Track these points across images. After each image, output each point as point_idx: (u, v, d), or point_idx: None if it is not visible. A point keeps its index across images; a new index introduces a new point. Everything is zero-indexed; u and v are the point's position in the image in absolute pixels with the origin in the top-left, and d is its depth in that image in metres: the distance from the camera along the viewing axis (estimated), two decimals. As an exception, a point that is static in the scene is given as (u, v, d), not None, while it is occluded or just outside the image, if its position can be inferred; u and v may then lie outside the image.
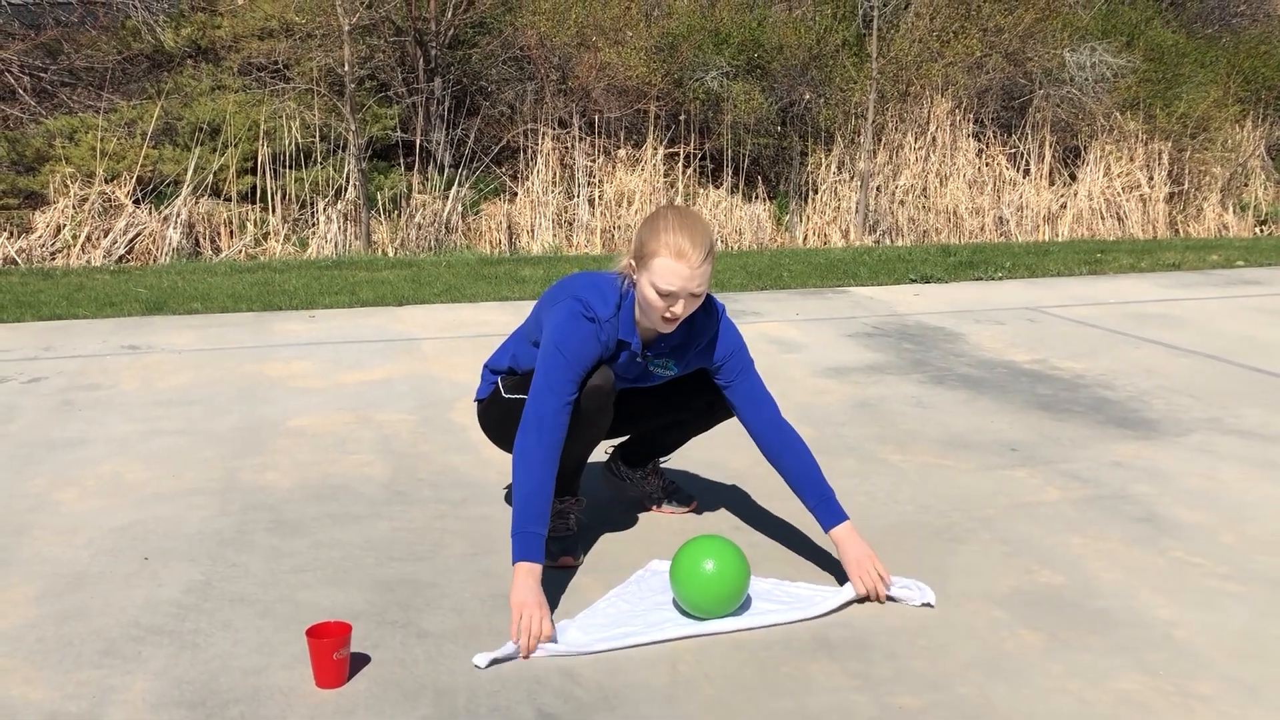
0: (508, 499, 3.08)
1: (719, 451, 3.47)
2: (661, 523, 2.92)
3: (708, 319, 2.64)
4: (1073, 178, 12.67)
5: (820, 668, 2.16)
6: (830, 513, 2.56)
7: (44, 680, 2.09)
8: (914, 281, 6.87)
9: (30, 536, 2.79)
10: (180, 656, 2.17)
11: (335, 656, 2.04)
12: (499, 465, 3.35)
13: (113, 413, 3.93)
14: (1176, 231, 12.67)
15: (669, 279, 2.42)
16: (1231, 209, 13.30)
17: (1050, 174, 12.56)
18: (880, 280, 6.92)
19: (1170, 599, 2.46)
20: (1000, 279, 7.02)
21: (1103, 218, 12.32)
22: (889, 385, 4.33)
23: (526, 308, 4.51)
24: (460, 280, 7.08)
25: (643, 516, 2.96)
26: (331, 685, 2.05)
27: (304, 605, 2.40)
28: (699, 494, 3.10)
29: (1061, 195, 12.36)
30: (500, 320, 5.63)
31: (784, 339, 5.19)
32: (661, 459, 3.09)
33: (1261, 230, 13.29)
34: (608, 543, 2.79)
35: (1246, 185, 13.51)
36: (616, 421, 2.79)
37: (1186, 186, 12.83)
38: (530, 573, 2.31)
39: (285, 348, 5.01)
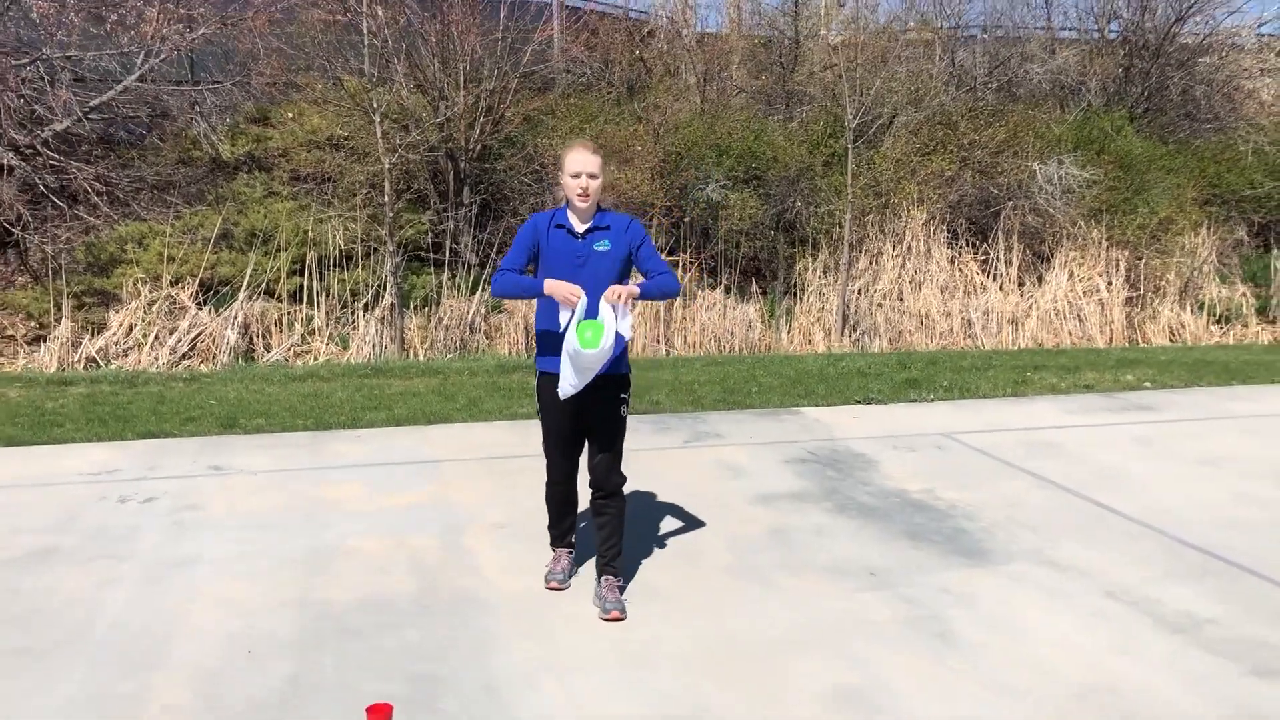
0: (506, 608, 4.36)
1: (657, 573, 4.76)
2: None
3: (620, 215, 4.38)
4: (1040, 280, 13.95)
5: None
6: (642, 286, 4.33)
7: (205, 740, 3.40)
8: (858, 403, 8.15)
9: (174, 640, 4.11)
10: (287, 727, 3.48)
11: (386, 729, 3.34)
12: (499, 587, 4.65)
13: (215, 534, 5.26)
14: (1135, 331, 13.89)
15: (574, 164, 4.24)
16: (1189, 309, 14.52)
17: (1020, 278, 13.85)
18: (832, 400, 8.21)
19: (935, 698, 3.71)
20: (932, 400, 8.29)
21: (1065, 319, 13.58)
22: (802, 514, 5.61)
23: (532, 426, 5.80)
24: (480, 393, 8.42)
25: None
26: (382, 747, 3.35)
27: (362, 693, 3.69)
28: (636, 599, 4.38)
29: (1029, 299, 13.64)
30: (509, 441, 6.95)
31: (734, 465, 6.49)
32: (612, 575, 4.43)
33: (1218, 328, 14.49)
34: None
35: (1202, 288, 14.70)
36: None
37: (1143, 291, 14.06)
38: (550, 283, 4.17)
39: (338, 469, 6.35)
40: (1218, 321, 14.46)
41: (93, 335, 11.02)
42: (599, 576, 4.51)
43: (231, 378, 9.40)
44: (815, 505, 5.76)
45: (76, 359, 10.71)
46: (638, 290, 4.25)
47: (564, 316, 4.20)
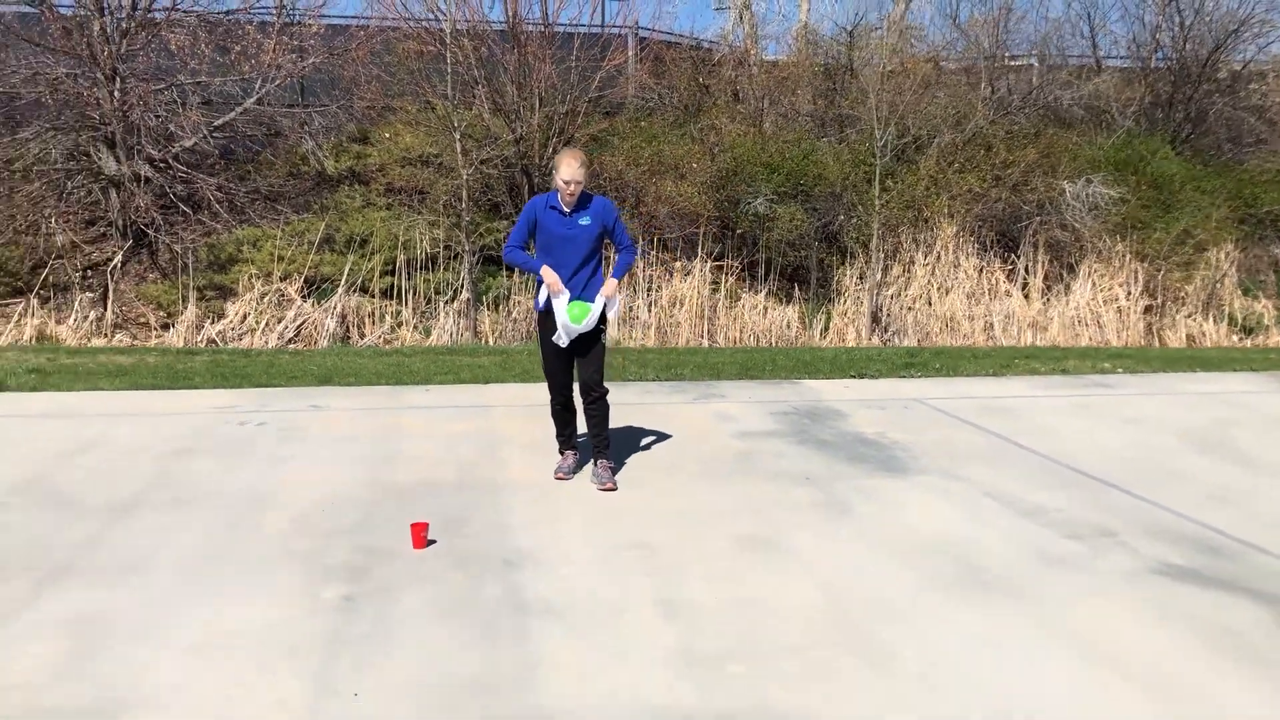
0: (522, 488, 5.85)
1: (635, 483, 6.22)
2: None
3: (599, 198, 5.88)
4: (1067, 289, 15.09)
5: (632, 557, 4.89)
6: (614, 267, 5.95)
7: (306, 540, 4.95)
8: (852, 377, 9.51)
9: (280, 498, 5.69)
10: (364, 544, 5.01)
11: (423, 535, 4.87)
12: (520, 478, 6.15)
13: (311, 444, 6.86)
14: (1154, 338, 14.94)
15: (566, 173, 5.64)
16: (1213, 319, 15.49)
17: (1047, 287, 15.00)
18: (832, 375, 9.58)
19: (818, 543, 5.11)
20: (919, 378, 9.61)
21: (1086, 325, 14.70)
22: (769, 444, 7.02)
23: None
24: (534, 366, 9.95)
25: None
26: (420, 548, 4.87)
27: (410, 519, 5.20)
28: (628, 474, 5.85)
29: (1050, 305, 14.80)
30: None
31: (727, 414, 7.92)
32: (605, 459, 5.97)
33: (1240, 339, 15.44)
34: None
35: (1224, 299, 15.66)
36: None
37: (1162, 300, 15.10)
38: (545, 271, 5.71)
39: (409, 410, 7.94)
40: (1240, 331, 15.41)
41: (213, 321, 12.84)
42: (595, 461, 6.04)
43: (329, 353, 11.10)
44: (782, 439, 7.16)
45: (199, 339, 12.53)
46: (616, 280, 5.92)
47: (543, 295, 5.86)
